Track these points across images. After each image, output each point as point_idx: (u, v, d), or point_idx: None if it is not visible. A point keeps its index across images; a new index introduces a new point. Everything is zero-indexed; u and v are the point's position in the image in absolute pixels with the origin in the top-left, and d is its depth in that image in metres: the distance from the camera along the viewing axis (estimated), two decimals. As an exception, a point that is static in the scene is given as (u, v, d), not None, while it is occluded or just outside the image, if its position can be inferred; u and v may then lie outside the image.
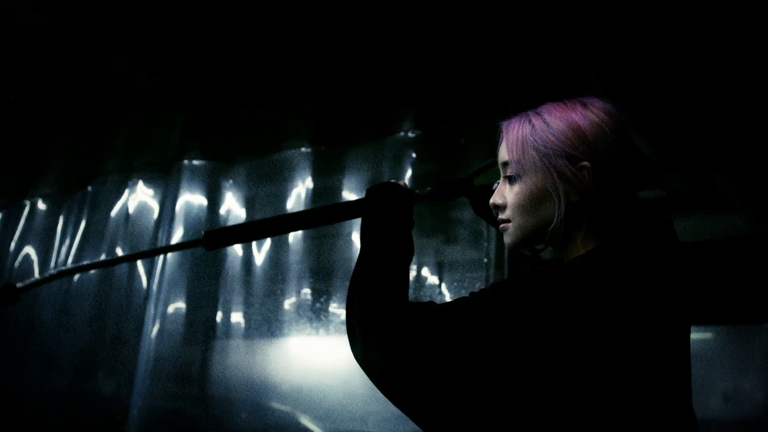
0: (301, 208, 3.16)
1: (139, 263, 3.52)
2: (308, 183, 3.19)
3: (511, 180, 1.16)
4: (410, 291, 2.65)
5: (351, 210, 1.26)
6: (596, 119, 1.13)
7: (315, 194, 3.17)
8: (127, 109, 3.50)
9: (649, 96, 3.50)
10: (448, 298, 2.77)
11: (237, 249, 3.23)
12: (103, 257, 3.64)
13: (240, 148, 3.37)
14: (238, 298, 3.20)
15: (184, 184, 3.43)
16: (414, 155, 2.97)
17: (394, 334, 1.02)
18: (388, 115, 3.05)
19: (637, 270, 1.07)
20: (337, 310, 3.00)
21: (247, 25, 3.07)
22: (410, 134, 2.99)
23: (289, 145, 3.24)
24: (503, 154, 1.17)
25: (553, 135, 1.12)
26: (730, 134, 3.71)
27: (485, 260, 2.72)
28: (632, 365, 1.01)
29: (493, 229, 2.73)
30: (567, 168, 1.11)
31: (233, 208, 3.33)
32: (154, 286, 3.37)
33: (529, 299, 1.01)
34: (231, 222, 3.31)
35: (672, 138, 3.69)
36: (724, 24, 3.13)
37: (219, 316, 3.23)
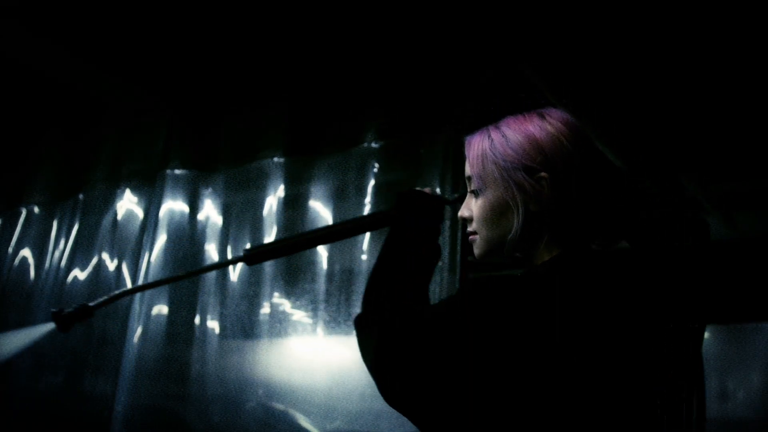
0: (273, 215, 3.33)
1: (124, 266, 3.70)
2: (280, 191, 3.36)
3: (475, 194, 1.21)
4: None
5: (381, 220, 1.30)
6: (553, 130, 1.16)
7: (286, 201, 3.33)
8: (112, 120, 3.69)
9: (616, 105, 3.61)
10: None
11: (213, 254, 3.40)
12: (95, 261, 3.84)
13: (218, 158, 3.53)
14: (215, 300, 3.36)
15: (167, 192, 3.60)
16: (377, 165, 3.11)
17: (409, 348, 1.06)
18: (354, 127, 3.20)
19: (595, 276, 1.10)
20: (305, 313, 3.16)
21: (224, 42, 3.25)
22: (374, 145, 3.14)
23: (263, 155, 3.41)
24: (466, 168, 1.23)
25: (511, 148, 1.16)
26: (695, 142, 3.81)
27: (440, 263, 2.86)
28: (590, 368, 1.03)
29: (448, 234, 2.88)
30: (525, 180, 1.14)
31: (212, 215, 3.50)
32: (139, 288, 3.54)
33: (495, 306, 1.04)
34: (209, 228, 3.48)
35: (638, 146, 3.80)
36: (689, 35, 3.23)
37: (198, 317, 3.39)
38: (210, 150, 3.57)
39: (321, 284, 3.09)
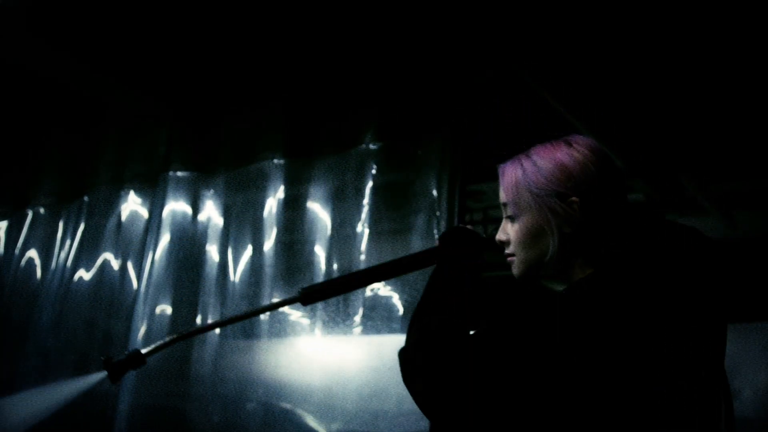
0: (273, 215, 3.37)
1: (129, 266, 3.75)
2: (280, 192, 3.40)
3: (511, 219, 1.30)
4: (361, 300, 2.81)
5: (426, 260, 1.36)
6: (580, 157, 1.25)
7: (286, 202, 3.37)
8: (114, 123, 3.75)
9: (614, 107, 3.62)
10: (399, 305, 2.96)
11: (214, 254, 3.45)
12: (100, 261, 3.90)
13: (219, 160, 3.58)
14: (216, 301, 3.41)
15: (170, 193, 3.65)
16: (375, 166, 3.15)
17: (452, 378, 1.13)
18: (352, 128, 3.24)
19: (631, 288, 1.16)
20: (304, 314, 3.21)
21: (224, 46, 3.30)
22: (372, 146, 3.18)
23: (263, 156, 3.45)
24: (501, 195, 1.31)
25: (543, 176, 1.25)
26: (692, 144, 3.81)
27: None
28: (631, 378, 1.09)
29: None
30: (558, 205, 1.23)
31: (213, 215, 3.55)
32: (143, 288, 3.59)
33: (543, 324, 1.12)
34: (211, 229, 3.53)
35: (637, 148, 3.81)
36: (687, 41, 3.24)
37: (199, 317, 3.44)
38: (210, 152, 3.62)
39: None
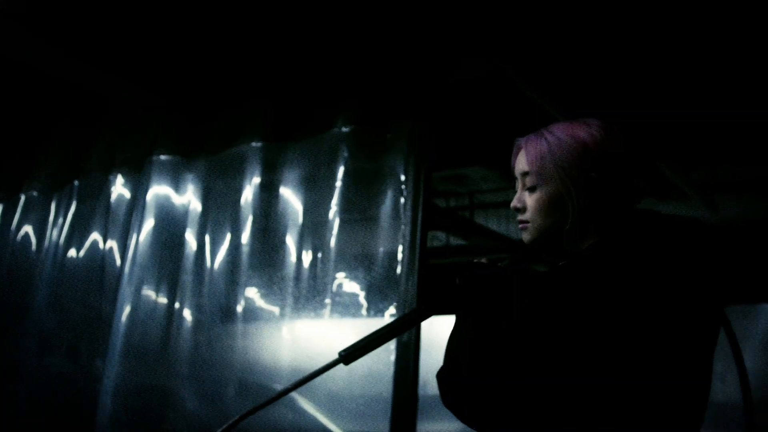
0: (250, 200, 3.45)
1: (116, 247, 3.85)
2: (257, 176, 3.48)
3: (531, 189, 1.38)
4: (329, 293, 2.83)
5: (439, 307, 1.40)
6: (599, 136, 1.34)
7: (263, 186, 3.45)
8: (104, 112, 3.86)
9: (589, 95, 3.64)
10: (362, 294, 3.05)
11: (192, 243, 3.55)
12: (89, 243, 4.00)
13: (200, 144, 3.66)
14: (195, 281, 3.50)
15: (154, 177, 3.74)
16: (346, 150, 3.22)
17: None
18: (325, 112, 3.31)
19: (633, 260, 1.24)
20: (277, 296, 3.30)
21: (204, 34, 3.38)
22: (344, 129, 3.24)
23: (242, 140, 3.53)
24: (522, 165, 1.40)
25: (566, 150, 1.34)
26: (671, 132, 3.82)
27: (401, 254, 2.98)
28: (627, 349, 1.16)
29: (407, 220, 2.98)
30: (579, 177, 1.32)
31: (193, 199, 3.64)
32: (127, 268, 3.69)
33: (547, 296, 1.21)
34: (191, 212, 3.62)
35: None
36: (667, 30, 3.25)
37: (179, 298, 3.54)
38: (193, 136, 3.71)
39: (291, 269, 3.22)
